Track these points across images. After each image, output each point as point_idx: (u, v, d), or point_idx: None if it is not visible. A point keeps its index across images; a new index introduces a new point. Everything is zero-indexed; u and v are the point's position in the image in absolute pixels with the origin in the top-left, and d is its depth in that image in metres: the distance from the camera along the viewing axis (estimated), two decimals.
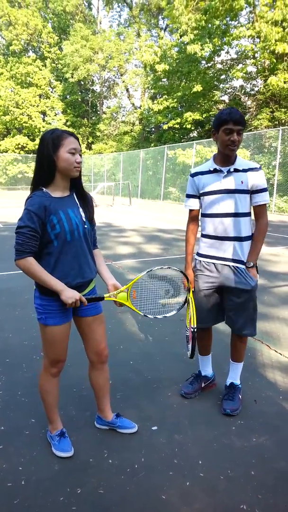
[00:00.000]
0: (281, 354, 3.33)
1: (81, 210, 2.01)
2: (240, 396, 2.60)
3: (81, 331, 2.16)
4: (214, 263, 2.47)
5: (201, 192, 2.47)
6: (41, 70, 35.60)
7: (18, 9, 34.62)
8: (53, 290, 1.89)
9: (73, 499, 1.84)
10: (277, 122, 19.24)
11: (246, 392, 2.75)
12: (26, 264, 1.86)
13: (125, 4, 35.05)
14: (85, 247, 2.03)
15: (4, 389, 2.76)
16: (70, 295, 1.89)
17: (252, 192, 2.37)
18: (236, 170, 2.35)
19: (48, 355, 2.07)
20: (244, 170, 2.35)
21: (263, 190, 2.37)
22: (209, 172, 2.43)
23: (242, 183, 2.35)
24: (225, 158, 2.36)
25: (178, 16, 18.76)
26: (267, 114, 19.54)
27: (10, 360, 3.19)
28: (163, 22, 32.14)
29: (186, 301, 2.52)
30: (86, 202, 2.06)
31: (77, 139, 1.94)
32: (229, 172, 2.36)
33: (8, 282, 5.44)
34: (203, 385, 2.75)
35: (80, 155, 1.94)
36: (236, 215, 2.37)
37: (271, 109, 19.61)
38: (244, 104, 22.25)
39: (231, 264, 2.42)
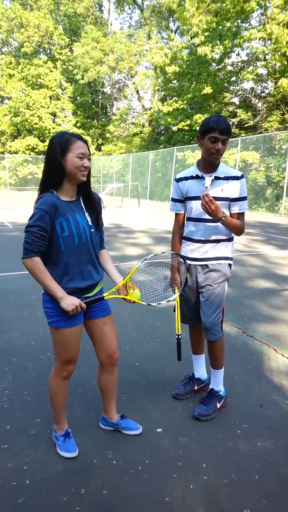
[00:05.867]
0: None
1: (86, 214, 2.02)
2: (219, 405, 2.53)
3: (92, 334, 2.16)
4: (193, 264, 2.50)
5: (185, 197, 2.51)
6: (52, 71, 35.86)
7: (30, 12, 34.96)
8: (53, 296, 1.90)
9: (76, 500, 1.85)
10: (287, 125, 19.14)
11: (252, 395, 2.74)
12: (32, 264, 1.87)
13: (136, 6, 35.16)
14: (92, 250, 2.04)
15: (10, 389, 2.78)
16: (69, 301, 1.90)
17: (231, 200, 2.39)
18: (217, 178, 2.37)
19: (60, 357, 2.06)
20: (226, 178, 2.37)
21: (242, 199, 2.39)
22: (192, 178, 2.46)
23: (222, 191, 2.37)
24: (208, 165, 2.38)
25: (189, 18, 18.79)
26: (278, 116, 19.45)
27: (17, 360, 3.22)
28: (174, 24, 32.22)
29: (182, 283, 2.54)
30: (93, 206, 2.07)
31: (86, 142, 1.94)
32: None
33: (16, 282, 5.48)
34: (196, 387, 2.74)
35: (89, 160, 1.95)
36: (216, 220, 2.37)
37: (281, 112, 19.52)
38: (255, 106, 22.16)
39: (209, 263, 2.45)
